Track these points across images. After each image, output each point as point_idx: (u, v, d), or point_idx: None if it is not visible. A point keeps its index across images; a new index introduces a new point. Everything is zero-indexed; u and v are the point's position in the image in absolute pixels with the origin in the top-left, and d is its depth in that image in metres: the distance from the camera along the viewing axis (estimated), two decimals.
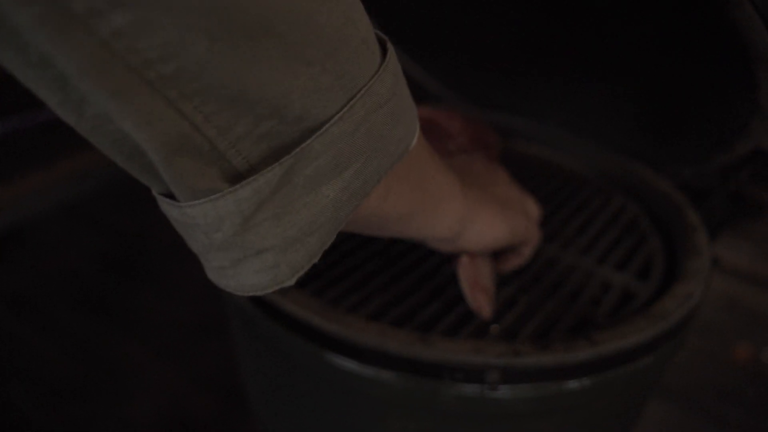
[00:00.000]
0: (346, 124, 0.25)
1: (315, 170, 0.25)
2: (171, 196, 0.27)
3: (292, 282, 0.28)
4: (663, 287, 0.53)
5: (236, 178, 0.25)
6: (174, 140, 0.22)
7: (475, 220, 0.43)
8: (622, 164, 0.69)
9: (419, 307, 0.50)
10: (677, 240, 0.57)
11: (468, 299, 0.46)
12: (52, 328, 1.27)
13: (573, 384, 0.44)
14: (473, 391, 0.43)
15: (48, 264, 1.46)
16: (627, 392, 0.48)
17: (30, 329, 1.26)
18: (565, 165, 0.72)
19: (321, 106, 0.25)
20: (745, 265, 1.28)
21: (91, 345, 1.22)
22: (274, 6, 0.21)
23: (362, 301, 0.50)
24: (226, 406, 1.10)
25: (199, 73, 0.21)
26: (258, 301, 0.48)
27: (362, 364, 0.44)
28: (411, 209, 0.35)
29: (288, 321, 0.46)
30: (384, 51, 0.28)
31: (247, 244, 0.26)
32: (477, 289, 0.46)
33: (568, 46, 0.61)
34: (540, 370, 0.43)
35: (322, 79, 0.24)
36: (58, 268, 1.45)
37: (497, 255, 0.51)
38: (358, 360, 0.44)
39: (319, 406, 0.51)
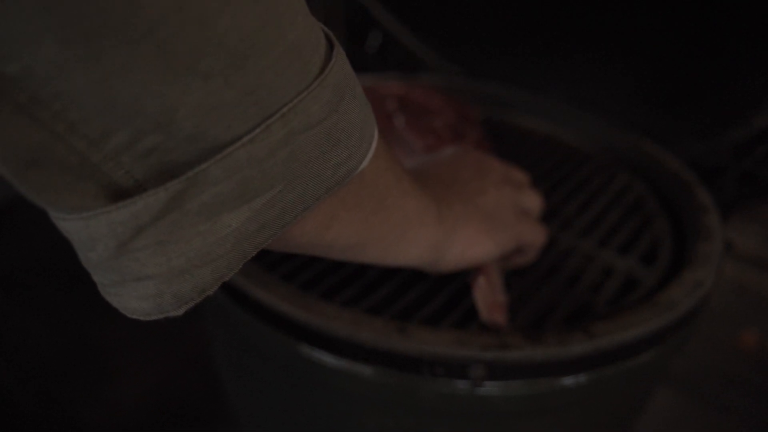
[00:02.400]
0: (257, 148, 0.22)
1: (213, 197, 0.22)
2: None
3: (179, 312, 0.24)
4: (670, 274, 0.49)
5: (121, 194, 0.21)
6: (28, 151, 0.20)
7: (455, 242, 0.40)
8: (627, 139, 0.64)
9: (399, 293, 0.45)
10: (686, 222, 0.53)
11: (484, 319, 0.42)
12: (39, 306, 1.24)
13: (568, 381, 0.40)
14: (456, 387, 0.39)
15: (36, 242, 1.43)
16: (628, 389, 0.44)
17: (16, 308, 1.24)
18: (566, 140, 0.68)
19: (223, 126, 0.21)
20: (754, 249, 1.25)
21: (77, 324, 1.20)
22: (151, 5, 0.18)
23: (337, 286, 0.46)
24: (215, 387, 1.07)
25: (52, 76, 0.18)
26: (223, 285, 0.44)
27: (334, 355, 0.40)
28: (364, 239, 0.32)
29: (254, 307, 0.42)
30: (328, 57, 0.24)
31: (123, 269, 0.23)
32: (494, 309, 0.42)
33: (572, 10, 0.57)
34: (531, 365, 0.39)
35: (224, 94, 0.20)
36: (46, 246, 1.41)
37: None
38: (330, 351, 0.40)
39: (291, 398, 0.47)
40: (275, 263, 0.46)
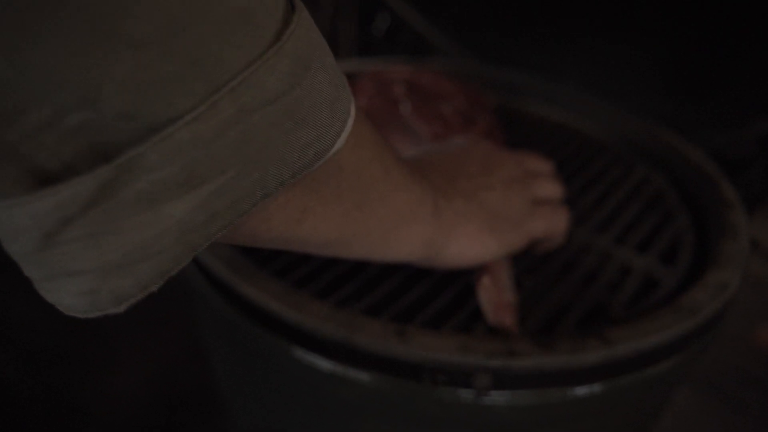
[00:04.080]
0: (202, 128, 0.19)
1: (152, 184, 0.19)
2: None
3: (120, 310, 0.22)
4: (692, 274, 0.45)
5: (48, 179, 0.19)
6: None
7: (452, 240, 0.37)
8: (647, 128, 0.61)
9: (400, 291, 0.42)
10: (709, 218, 0.50)
11: (491, 321, 0.39)
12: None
13: (581, 391, 0.37)
14: (459, 396, 0.36)
15: None
16: (645, 399, 0.41)
17: (14, 291, 1.23)
18: (582, 128, 0.65)
19: (161, 103, 0.18)
20: None
21: None
22: None
23: (334, 283, 0.43)
24: (216, 378, 1.06)
25: None
26: (211, 279, 0.41)
27: (328, 359, 0.37)
28: (345, 235, 0.29)
29: (243, 305, 0.39)
30: (287, 22, 0.21)
31: (53, 263, 0.20)
32: (501, 310, 0.38)
33: None
34: (540, 374, 0.36)
35: (161, 65, 0.18)
36: None
37: None
38: (323, 355, 0.37)
39: (283, 401, 0.44)
40: (268, 257, 0.44)
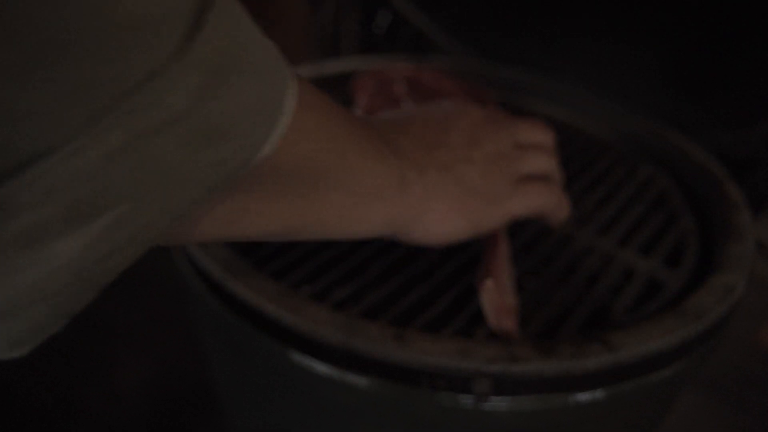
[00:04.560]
0: (83, 161, 0.17)
1: (33, 222, 0.17)
2: None
3: (23, 353, 0.20)
4: (697, 277, 0.44)
5: None
6: None
7: (418, 218, 0.35)
8: (651, 128, 0.60)
9: (400, 292, 0.42)
10: (715, 220, 0.49)
11: (492, 325, 0.38)
12: None
13: (583, 397, 0.36)
14: (459, 402, 0.35)
15: None
16: (649, 404, 0.40)
17: None
18: (585, 127, 0.64)
19: (35, 133, 0.16)
20: None
21: None
22: None
23: (331, 286, 0.42)
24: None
25: None
26: (206, 280, 0.41)
27: (325, 363, 0.36)
28: (290, 226, 0.28)
29: (238, 307, 0.39)
30: (196, 25, 0.18)
31: None
32: (503, 314, 0.37)
33: None
34: (541, 380, 0.35)
35: (32, 91, 0.15)
36: None
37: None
38: (320, 359, 0.37)
39: (280, 404, 0.43)
40: (267, 258, 0.43)
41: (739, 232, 0.46)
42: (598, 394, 0.36)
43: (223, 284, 0.39)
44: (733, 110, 0.56)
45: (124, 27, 0.16)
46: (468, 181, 0.37)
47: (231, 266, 0.40)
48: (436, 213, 0.36)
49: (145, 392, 1.02)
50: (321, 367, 0.36)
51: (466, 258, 0.44)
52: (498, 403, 0.35)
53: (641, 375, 0.37)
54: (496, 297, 0.37)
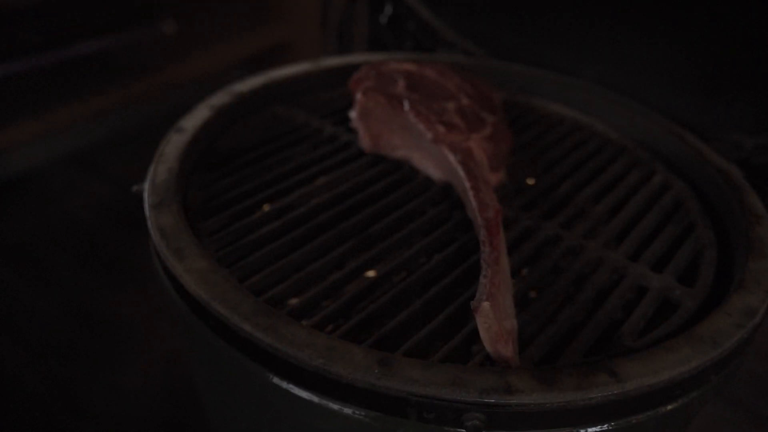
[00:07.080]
0: None
1: None
2: None
3: None
4: (714, 296, 0.42)
5: None
6: None
7: None
8: (667, 130, 0.57)
9: (388, 310, 0.39)
10: (733, 232, 0.46)
11: (490, 352, 0.35)
12: (49, 282, 1.24)
13: None
14: None
15: (50, 215, 1.44)
16: None
17: (26, 283, 1.25)
18: (598, 129, 0.62)
19: None
20: None
21: (87, 301, 1.19)
22: None
23: (316, 300, 0.39)
24: None
25: None
26: (184, 294, 0.38)
27: (304, 389, 0.34)
28: None
29: (216, 325, 0.36)
30: None
31: None
32: (500, 341, 0.34)
33: None
34: (541, 414, 0.32)
35: None
36: (60, 220, 1.42)
37: None
38: (299, 385, 0.34)
39: (262, 426, 0.41)
40: (246, 276, 0.40)
41: (761, 247, 0.43)
42: (605, 428, 0.33)
43: (200, 300, 0.36)
44: (756, 114, 0.55)
45: None
46: None
47: (208, 280, 0.37)
48: None
49: (150, 390, 1.02)
50: (301, 392, 0.34)
51: (461, 272, 0.42)
52: None
53: (652, 408, 0.34)
54: (494, 322, 0.34)
